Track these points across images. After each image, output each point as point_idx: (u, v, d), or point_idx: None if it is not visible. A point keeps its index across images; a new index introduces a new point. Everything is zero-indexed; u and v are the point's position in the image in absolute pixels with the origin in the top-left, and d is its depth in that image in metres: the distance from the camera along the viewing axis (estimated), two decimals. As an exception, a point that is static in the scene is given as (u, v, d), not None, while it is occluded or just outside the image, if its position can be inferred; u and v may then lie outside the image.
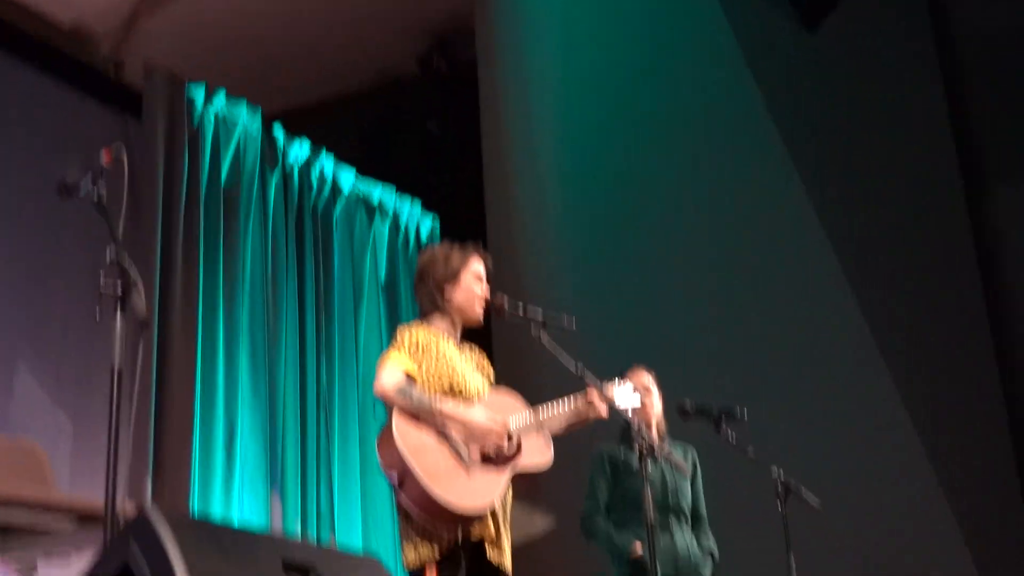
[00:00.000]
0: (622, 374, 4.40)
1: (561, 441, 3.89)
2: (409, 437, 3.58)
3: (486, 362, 4.05)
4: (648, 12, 7.08)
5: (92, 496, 3.60)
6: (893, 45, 6.82)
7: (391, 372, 3.67)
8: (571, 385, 3.84)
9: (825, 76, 6.86)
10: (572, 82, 7.11)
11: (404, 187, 7.95)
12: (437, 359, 3.77)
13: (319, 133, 7.43)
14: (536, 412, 3.83)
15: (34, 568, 3.94)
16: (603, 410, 3.86)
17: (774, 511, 4.39)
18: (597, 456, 4.69)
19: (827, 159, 6.71)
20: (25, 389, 5.78)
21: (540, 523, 6.29)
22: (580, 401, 3.87)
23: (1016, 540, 6.00)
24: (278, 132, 7.05)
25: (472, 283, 3.91)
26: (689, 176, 6.78)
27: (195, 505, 5.81)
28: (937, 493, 5.98)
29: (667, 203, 6.75)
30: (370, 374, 4.33)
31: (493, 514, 3.69)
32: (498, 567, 3.69)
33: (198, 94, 6.52)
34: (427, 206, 8.12)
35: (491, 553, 3.68)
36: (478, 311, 3.91)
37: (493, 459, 3.68)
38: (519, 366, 5.52)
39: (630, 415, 3.83)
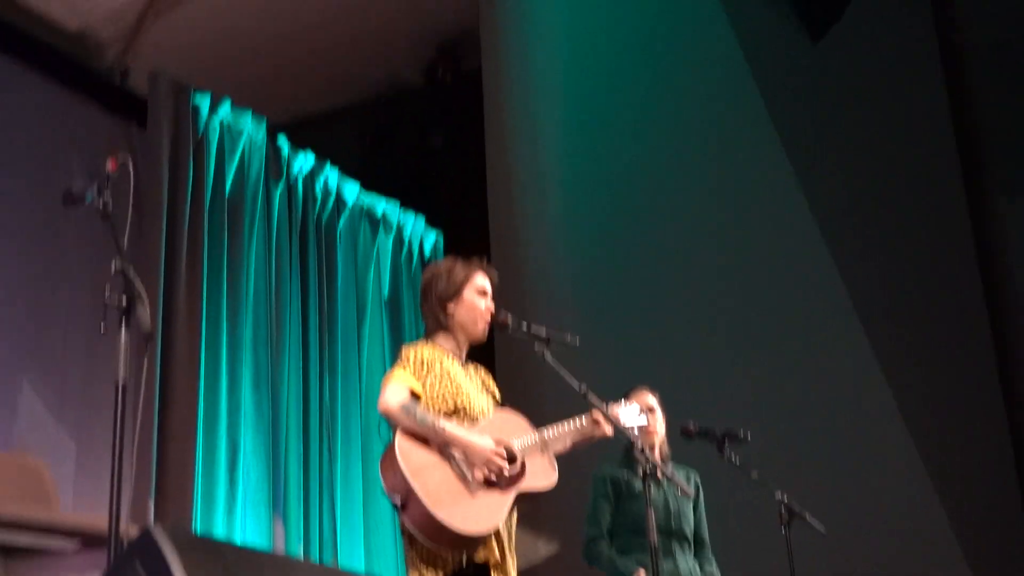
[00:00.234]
0: (625, 393, 4.38)
1: (564, 463, 3.84)
2: (412, 458, 3.52)
3: (491, 382, 4.00)
4: (653, 25, 7.05)
5: (95, 514, 3.56)
6: (897, 53, 6.79)
7: (396, 390, 3.62)
8: (574, 403, 3.78)
9: (830, 85, 6.82)
10: (577, 94, 7.08)
11: (407, 200, 7.92)
12: (442, 378, 3.71)
13: (323, 143, 7.42)
14: (541, 433, 3.78)
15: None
16: (609, 430, 3.82)
17: (778, 535, 4.35)
18: (599, 478, 4.61)
19: (833, 171, 6.67)
20: (29, 405, 5.71)
21: (544, 548, 6.23)
22: (586, 421, 3.83)
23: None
24: (283, 142, 7.03)
25: (475, 298, 3.84)
26: (696, 191, 6.74)
27: (198, 528, 5.74)
28: (942, 518, 5.93)
29: (675, 220, 6.72)
30: (373, 392, 4.30)
31: (498, 537, 3.62)
32: (503, 591, 3.64)
33: (203, 102, 6.50)
34: (430, 220, 8.09)
35: (496, 577, 3.62)
36: (481, 328, 3.85)
37: (497, 481, 3.63)
38: (521, 383, 5.48)
39: (635, 435, 3.79)
